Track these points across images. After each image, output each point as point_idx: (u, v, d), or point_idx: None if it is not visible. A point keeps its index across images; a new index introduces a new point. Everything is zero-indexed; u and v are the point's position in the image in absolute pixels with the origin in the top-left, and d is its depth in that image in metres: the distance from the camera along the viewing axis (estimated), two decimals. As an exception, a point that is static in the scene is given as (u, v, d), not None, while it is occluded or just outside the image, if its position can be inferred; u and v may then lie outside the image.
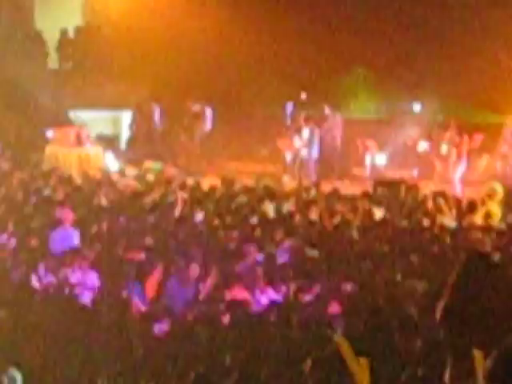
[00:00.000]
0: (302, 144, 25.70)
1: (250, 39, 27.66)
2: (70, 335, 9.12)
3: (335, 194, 20.51)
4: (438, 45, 28.97)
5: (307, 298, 13.34)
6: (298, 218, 18.30)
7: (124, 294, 13.76)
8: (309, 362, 7.76)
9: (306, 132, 25.85)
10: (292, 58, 28.57)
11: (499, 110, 27.76)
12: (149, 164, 24.94)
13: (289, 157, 26.25)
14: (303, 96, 28.40)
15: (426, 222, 15.33)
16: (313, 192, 21.01)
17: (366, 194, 20.29)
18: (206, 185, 21.29)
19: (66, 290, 13.88)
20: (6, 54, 29.56)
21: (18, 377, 7.42)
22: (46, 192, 20.51)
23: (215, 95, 28.45)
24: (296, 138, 26.16)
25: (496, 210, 15.46)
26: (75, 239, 16.41)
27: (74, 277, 14.47)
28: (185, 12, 27.54)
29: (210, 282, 13.80)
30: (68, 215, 17.01)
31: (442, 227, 14.36)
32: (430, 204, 17.12)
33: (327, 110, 26.45)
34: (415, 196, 19.64)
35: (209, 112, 27.78)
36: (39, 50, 31.43)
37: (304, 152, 25.57)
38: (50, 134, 27.45)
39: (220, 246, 16.33)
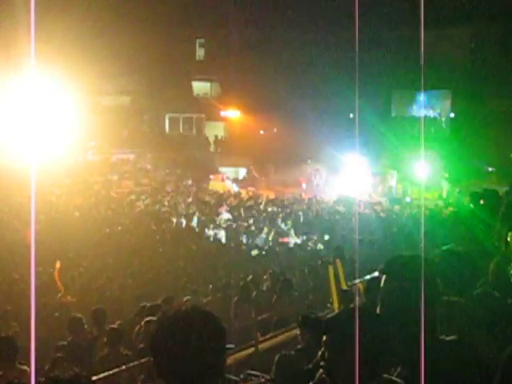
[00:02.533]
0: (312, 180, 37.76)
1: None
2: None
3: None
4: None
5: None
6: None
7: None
8: None
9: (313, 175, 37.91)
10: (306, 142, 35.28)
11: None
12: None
13: (304, 185, 37.53)
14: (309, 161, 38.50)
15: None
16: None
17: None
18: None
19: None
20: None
21: None
22: (207, 198, 31.69)
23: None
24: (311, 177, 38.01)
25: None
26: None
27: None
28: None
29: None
30: (222, 208, 28.34)
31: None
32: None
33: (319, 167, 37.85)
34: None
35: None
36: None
37: (312, 183, 37.51)
38: (211, 176, 39.07)
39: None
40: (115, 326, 9.30)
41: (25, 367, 7.26)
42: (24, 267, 15.81)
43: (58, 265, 16.24)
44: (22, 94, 28.51)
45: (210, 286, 15.43)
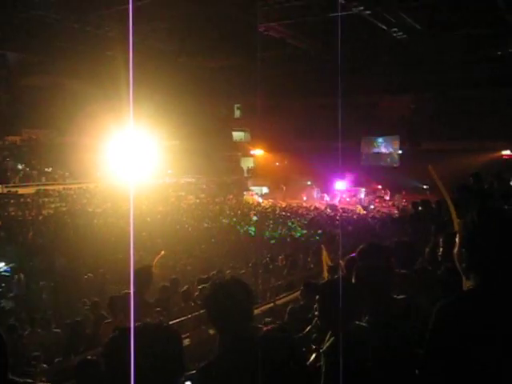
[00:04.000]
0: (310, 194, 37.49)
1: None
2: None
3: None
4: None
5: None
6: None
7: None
8: None
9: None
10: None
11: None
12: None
13: (304, 198, 36.79)
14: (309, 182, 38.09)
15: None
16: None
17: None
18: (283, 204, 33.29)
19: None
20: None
21: None
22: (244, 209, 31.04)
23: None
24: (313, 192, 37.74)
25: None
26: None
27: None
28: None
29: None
30: (252, 213, 28.52)
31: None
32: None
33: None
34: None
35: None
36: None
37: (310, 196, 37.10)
38: (245, 193, 39.56)
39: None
40: (185, 288, 9.38)
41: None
42: (126, 252, 16.14)
43: (162, 252, 16.23)
44: (124, 138, 29.11)
45: (244, 263, 15.52)
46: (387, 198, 34.80)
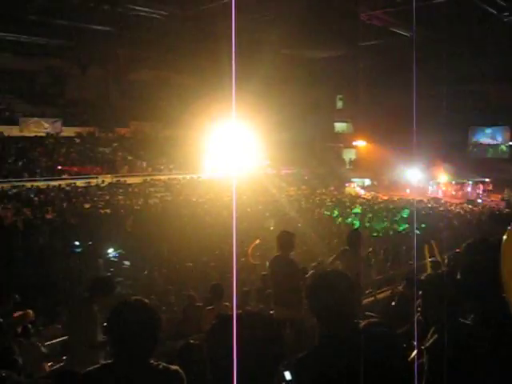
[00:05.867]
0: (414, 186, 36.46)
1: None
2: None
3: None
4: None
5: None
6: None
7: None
8: None
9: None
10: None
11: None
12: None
13: (407, 191, 35.79)
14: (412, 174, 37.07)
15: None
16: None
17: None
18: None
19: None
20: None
21: None
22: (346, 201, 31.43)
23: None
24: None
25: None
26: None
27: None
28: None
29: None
30: (355, 205, 27.40)
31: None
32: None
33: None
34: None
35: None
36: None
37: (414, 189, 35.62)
38: (346, 184, 38.56)
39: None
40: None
41: (227, 303, 7.43)
42: (228, 241, 16.47)
43: (257, 241, 16.40)
44: (226, 131, 29.55)
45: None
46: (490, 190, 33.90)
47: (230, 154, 28.95)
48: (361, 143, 41.80)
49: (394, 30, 28.51)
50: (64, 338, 7.92)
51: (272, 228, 20.30)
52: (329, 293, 2.60)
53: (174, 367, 2.59)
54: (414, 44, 28.20)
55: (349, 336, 2.55)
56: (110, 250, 17.06)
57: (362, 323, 2.71)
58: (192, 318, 8.24)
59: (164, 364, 2.57)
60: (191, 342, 5.12)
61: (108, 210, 23.47)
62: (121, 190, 28.16)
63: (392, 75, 32.87)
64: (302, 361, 2.58)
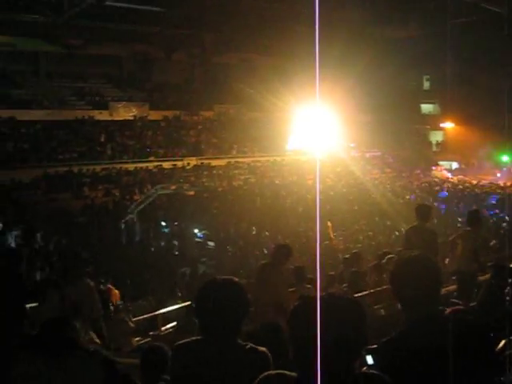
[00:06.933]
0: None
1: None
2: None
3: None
4: None
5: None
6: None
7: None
8: None
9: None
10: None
11: None
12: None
13: (498, 175, 34.74)
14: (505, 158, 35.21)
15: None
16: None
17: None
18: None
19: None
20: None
21: None
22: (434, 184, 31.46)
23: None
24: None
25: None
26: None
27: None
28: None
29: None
30: (443, 189, 28.68)
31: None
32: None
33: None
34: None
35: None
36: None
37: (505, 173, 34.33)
38: (433, 167, 38.68)
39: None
40: (375, 263, 9.34)
41: (309, 285, 7.39)
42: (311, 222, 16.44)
43: (329, 223, 16.52)
44: (310, 113, 29.28)
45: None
46: None
47: (314, 137, 28.70)
48: (448, 125, 40.39)
49: (485, 5, 27.04)
50: (151, 314, 8.19)
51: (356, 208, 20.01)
52: (413, 278, 2.54)
53: (261, 348, 2.60)
54: (507, 21, 26.84)
55: (437, 323, 2.49)
56: (196, 231, 17.46)
57: (448, 310, 2.64)
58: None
59: (252, 344, 2.59)
60: (271, 322, 5.15)
61: (192, 192, 23.93)
62: (205, 173, 28.58)
63: (482, 54, 31.71)
64: (386, 345, 2.55)
